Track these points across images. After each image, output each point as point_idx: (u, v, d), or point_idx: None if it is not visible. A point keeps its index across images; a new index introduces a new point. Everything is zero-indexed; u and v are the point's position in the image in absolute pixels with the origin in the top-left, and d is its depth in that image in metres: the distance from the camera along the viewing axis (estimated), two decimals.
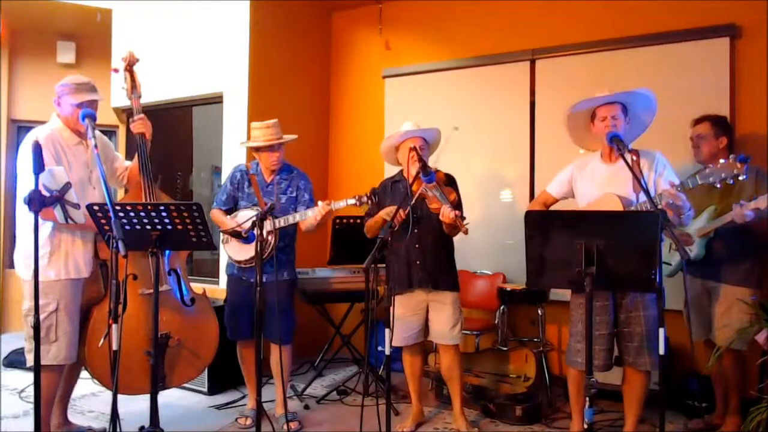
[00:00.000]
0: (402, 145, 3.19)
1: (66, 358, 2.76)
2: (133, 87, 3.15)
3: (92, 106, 2.84)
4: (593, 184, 2.83)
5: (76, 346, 2.81)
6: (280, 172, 3.35)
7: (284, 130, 3.35)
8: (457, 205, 3.01)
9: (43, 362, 2.40)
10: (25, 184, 2.60)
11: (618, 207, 2.63)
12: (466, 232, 2.81)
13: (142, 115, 3.08)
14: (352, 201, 3.04)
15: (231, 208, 3.37)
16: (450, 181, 3.15)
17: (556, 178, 3.04)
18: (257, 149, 3.31)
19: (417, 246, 3.13)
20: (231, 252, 3.29)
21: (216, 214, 3.35)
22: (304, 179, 3.39)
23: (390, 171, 3.63)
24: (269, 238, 3.09)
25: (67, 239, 2.79)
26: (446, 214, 2.84)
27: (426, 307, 3.20)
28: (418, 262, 3.14)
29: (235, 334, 3.34)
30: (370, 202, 3.07)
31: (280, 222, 3.12)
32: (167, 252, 2.99)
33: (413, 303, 3.18)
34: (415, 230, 3.11)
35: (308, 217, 3.11)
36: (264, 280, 3.05)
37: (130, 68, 3.15)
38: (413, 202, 2.94)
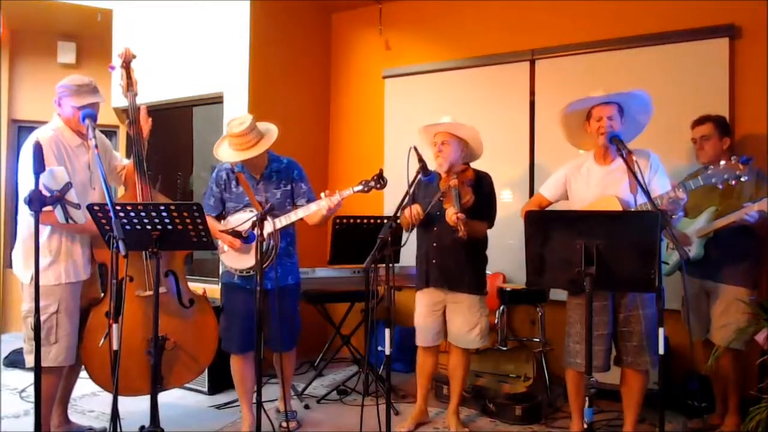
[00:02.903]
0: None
1: (66, 359, 2.76)
2: (129, 84, 3.10)
3: (93, 107, 2.82)
4: (588, 185, 2.83)
5: (75, 347, 2.81)
6: (269, 164, 3.05)
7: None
8: (482, 204, 2.99)
9: (43, 364, 2.39)
10: (26, 185, 2.59)
11: (618, 209, 2.63)
12: (463, 237, 2.81)
13: (143, 107, 3.05)
14: (358, 188, 2.81)
15: (221, 213, 3.07)
16: (479, 180, 3.07)
17: (550, 180, 3.03)
18: None
19: (435, 245, 3.12)
20: (228, 260, 2.97)
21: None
22: (297, 168, 3.10)
23: (390, 171, 3.61)
24: (270, 241, 2.83)
25: (66, 242, 2.78)
26: (449, 215, 2.85)
27: (444, 308, 3.17)
28: (434, 261, 3.12)
29: (232, 346, 3.04)
30: (378, 185, 2.82)
31: (282, 221, 2.86)
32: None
33: (431, 302, 3.18)
34: (434, 228, 3.10)
35: (312, 212, 2.86)
36: (269, 287, 2.90)
37: (126, 65, 3.11)
38: (427, 210, 2.94)
